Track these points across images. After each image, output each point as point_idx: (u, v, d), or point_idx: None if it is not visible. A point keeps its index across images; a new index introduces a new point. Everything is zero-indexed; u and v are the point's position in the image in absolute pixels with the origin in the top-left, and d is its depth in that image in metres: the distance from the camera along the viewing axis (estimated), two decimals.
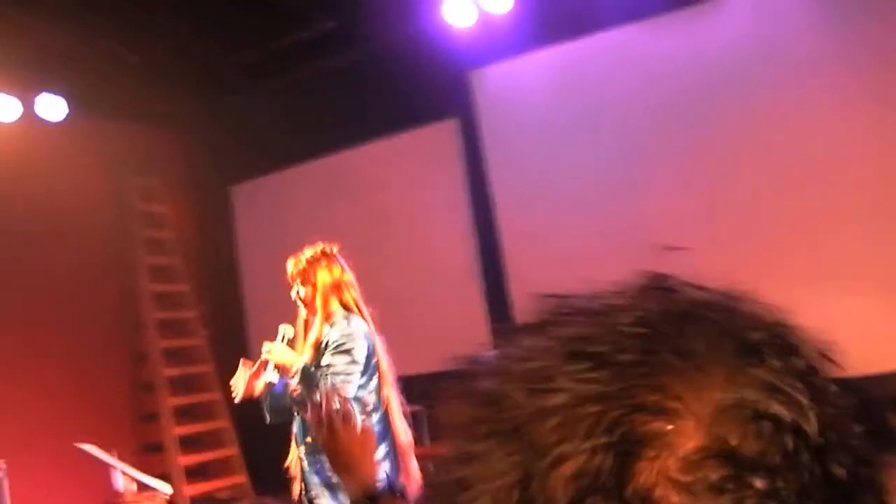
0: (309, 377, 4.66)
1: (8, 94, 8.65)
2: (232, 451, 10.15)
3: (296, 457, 4.84)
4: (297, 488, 4.82)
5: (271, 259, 10.54)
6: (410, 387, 9.12)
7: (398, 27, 8.77)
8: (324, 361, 4.72)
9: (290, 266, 4.96)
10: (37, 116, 8.92)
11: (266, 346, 4.83)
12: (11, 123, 8.76)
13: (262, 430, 10.15)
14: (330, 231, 9.89)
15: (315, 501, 4.72)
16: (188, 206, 10.91)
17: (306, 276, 4.85)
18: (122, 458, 6.06)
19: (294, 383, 4.70)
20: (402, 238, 9.54)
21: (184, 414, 10.01)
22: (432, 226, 9.36)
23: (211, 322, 10.53)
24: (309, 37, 8.92)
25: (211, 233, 11.01)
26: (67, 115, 9.03)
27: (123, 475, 5.14)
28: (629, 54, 8.23)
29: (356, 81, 9.36)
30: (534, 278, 8.60)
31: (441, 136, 9.34)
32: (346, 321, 4.83)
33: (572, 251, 8.44)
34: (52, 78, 8.89)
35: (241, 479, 10.07)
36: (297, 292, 4.90)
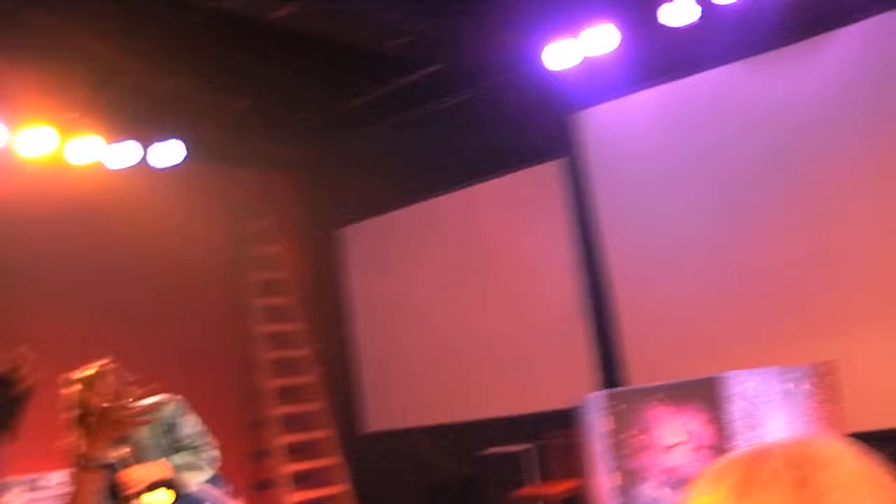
0: (188, 461, 4.76)
1: (127, 140, 8.97)
2: (343, 487, 10.26)
3: None
4: None
5: (379, 299, 10.74)
6: (518, 426, 9.20)
7: (503, 70, 8.87)
8: (186, 436, 4.81)
9: (88, 388, 4.70)
10: (154, 162, 9.22)
11: (127, 476, 4.65)
12: (130, 168, 9.08)
13: (370, 468, 10.33)
14: (436, 272, 10.09)
15: None
16: (300, 248, 11.12)
17: (113, 390, 4.65)
18: (235, 494, 6.19)
19: (187, 479, 4.75)
20: (509, 279, 9.58)
21: (296, 451, 10.17)
22: (537, 267, 9.39)
23: (323, 360, 10.69)
24: (415, 81, 9.08)
25: (322, 273, 11.21)
26: (183, 160, 9.31)
27: None
28: (734, 93, 8.17)
29: (462, 124, 9.48)
30: (641, 320, 8.57)
31: (545, 178, 9.38)
32: (158, 400, 4.89)
33: (680, 294, 8.38)
34: (167, 124, 9.20)
35: None
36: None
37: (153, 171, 9.26)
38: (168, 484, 4.77)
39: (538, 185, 9.48)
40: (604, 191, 8.96)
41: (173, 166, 9.31)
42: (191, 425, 4.93)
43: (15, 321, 7.85)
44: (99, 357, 4.85)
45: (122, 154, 8.98)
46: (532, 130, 9.00)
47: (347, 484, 10.27)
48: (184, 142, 9.29)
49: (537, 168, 9.42)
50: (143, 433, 4.80)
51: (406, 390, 10.39)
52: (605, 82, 8.51)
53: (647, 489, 6.11)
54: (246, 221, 10.57)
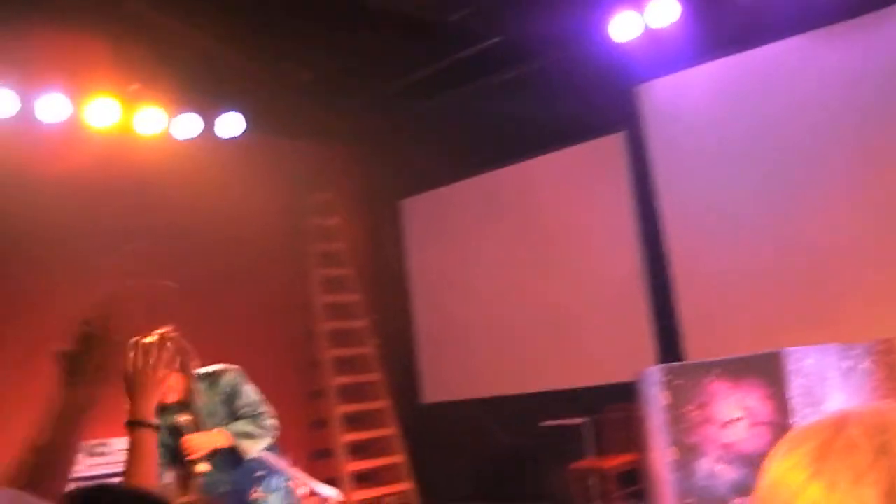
0: (248, 429, 4.83)
1: (190, 112, 9.08)
2: (399, 458, 10.34)
3: None
4: None
5: (439, 271, 10.78)
6: (575, 399, 9.21)
7: (564, 42, 8.81)
8: (246, 405, 4.87)
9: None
10: (216, 133, 9.33)
11: (189, 443, 4.80)
12: (194, 140, 9.19)
13: (428, 438, 10.40)
14: (496, 244, 10.09)
15: None
16: (360, 219, 11.18)
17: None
18: (293, 463, 6.27)
19: (248, 447, 4.82)
20: (569, 252, 9.56)
21: (352, 421, 10.26)
22: (599, 239, 9.36)
23: (380, 331, 10.76)
24: (476, 53, 9.05)
25: (381, 245, 11.27)
26: (244, 132, 9.40)
27: (295, 480, 5.34)
28: (799, 65, 8.06)
29: (523, 96, 9.44)
30: (699, 294, 8.52)
31: (608, 150, 9.33)
32: (216, 370, 5.02)
33: (739, 269, 8.31)
34: (230, 97, 9.28)
35: (407, 486, 10.24)
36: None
37: (216, 142, 9.36)
38: (228, 452, 4.85)
39: (599, 158, 9.43)
40: (664, 165, 8.90)
41: (235, 138, 9.40)
42: (249, 394, 5.01)
43: (83, 288, 7.97)
44: (161, 325, 4.93)
45: (186, 125, 9.10)
46: (594, 103, 8.94)
47: (404, 454, 10.35)
48: (246, 113, 9.37)
49: (599, 141, 9.38)
50: (203, 401, 4.89)
51: (463, 362, 10.43)
52: (666, 55, 8.43)
53: (705, 464, 6.09)
54: (306, 193, 10.64)
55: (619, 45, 8.32)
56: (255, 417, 4.94)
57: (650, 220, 8.99)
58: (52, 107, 8.31)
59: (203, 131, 9.22)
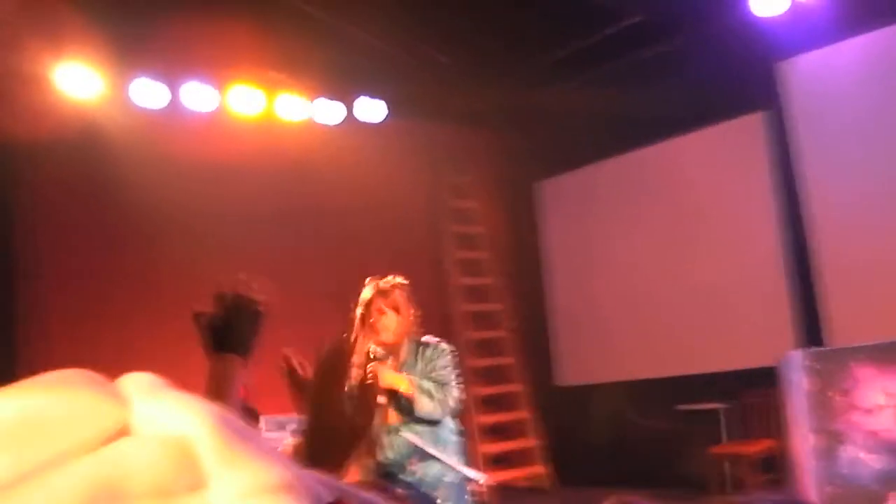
0: (431, 388, 4.89)
1: (331, 98, 9.26)
2: (533, 441, 10.36)
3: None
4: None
5: (575, 253, 10.74)
6: (714, 383, 9.07)
7: (705, 19, 8.65)
8: (439, 369, 4.98)
9: (379, 293, 5.06)
10: (357, 118, 9.48)
11: (371, 366, 4.94)
12: (335, 125, 9.36)
13: (563, 422, 10.38)
14: (634, 226, 10.00)
15: None
16: (497, 202, 11.21)
17: (396, 304, 5.03)
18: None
19: (423, 403, 4.89)
20: (707, 234, 9.40)
21: (488, 403, 10.32)
22: (739, 221, 9.18)
23: (518, 314, 10.78)
24: (615, 32, 8.96)
25: (518, 228, 11.28)
26: (386, 117, 9.55)
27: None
28: None
29: (662, 76, 9.29)
30: (846, 277, 8.29)
31: (748, 130, 9.14)
32: (434, 341, 5.12)
33: (886, 250, 8.06)
34: (370, 82, 9.41)
35: (541, 469, 10.26)
36: (384, 320, 5.03)
37: (358, 126, 9.51)
38: (402, 400, 4.96)
39: (740, 138, 9.25)
40: (806, 145, 8.67)
41: (377, 122, 9.55)
42: (447, 366, 5.11)
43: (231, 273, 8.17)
44: (390, 275, 5.21)
45: (329, 111, 9.28)
46: (735, 81, 8.76)
47: (539, 437, 10.37)
48: (386, 98, 9.50)
49: (739, 120, 9.19)
50: (406, 355, 5.06)
51: (601, 345, 10.39)
52: (812, 29, 8.19)
53: (848, 452, 5.94)
54: (445, 176, 10.73)
55: (761, 20, 8.13)
56: (442, 385, 5.04)
57: (792, 201, 8.77)
58: (199, 96, 8.57)
59: (345, 116, 9.39)
